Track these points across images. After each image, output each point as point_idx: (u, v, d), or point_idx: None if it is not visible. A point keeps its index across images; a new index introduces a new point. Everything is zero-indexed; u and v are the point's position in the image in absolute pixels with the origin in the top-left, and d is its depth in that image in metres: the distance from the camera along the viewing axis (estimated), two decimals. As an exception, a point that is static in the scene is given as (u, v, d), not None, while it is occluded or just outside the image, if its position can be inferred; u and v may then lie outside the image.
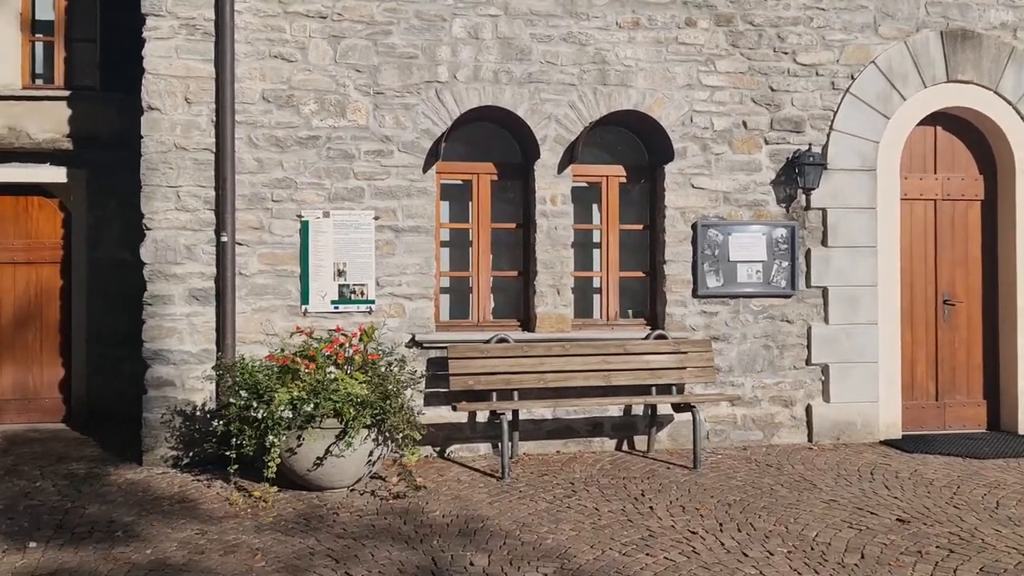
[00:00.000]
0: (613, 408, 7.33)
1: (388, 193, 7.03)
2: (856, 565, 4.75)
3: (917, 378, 8.05)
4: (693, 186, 7.47)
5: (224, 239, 6.71)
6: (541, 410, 7.15)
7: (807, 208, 7.64)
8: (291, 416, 5.78)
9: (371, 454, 6.07)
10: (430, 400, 7.06)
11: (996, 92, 7.85)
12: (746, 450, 7.44)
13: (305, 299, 6.94)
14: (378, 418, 5.96)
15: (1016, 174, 7.91)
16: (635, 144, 7.66)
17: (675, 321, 7.46)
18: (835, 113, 7.63)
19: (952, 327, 8.12)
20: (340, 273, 6.99)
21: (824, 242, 7.66)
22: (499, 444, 6.66)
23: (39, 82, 8.55)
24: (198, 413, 6.77)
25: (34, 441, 7.72)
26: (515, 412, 6.95)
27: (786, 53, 7.56)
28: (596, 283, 7.71)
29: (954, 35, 7.79)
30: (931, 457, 7.20)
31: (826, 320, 7.66)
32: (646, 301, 7.70)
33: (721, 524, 5.46)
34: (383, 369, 6.28)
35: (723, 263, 7.49)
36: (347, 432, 5.84)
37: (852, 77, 7.64)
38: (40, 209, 8.53)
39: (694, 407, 6.91)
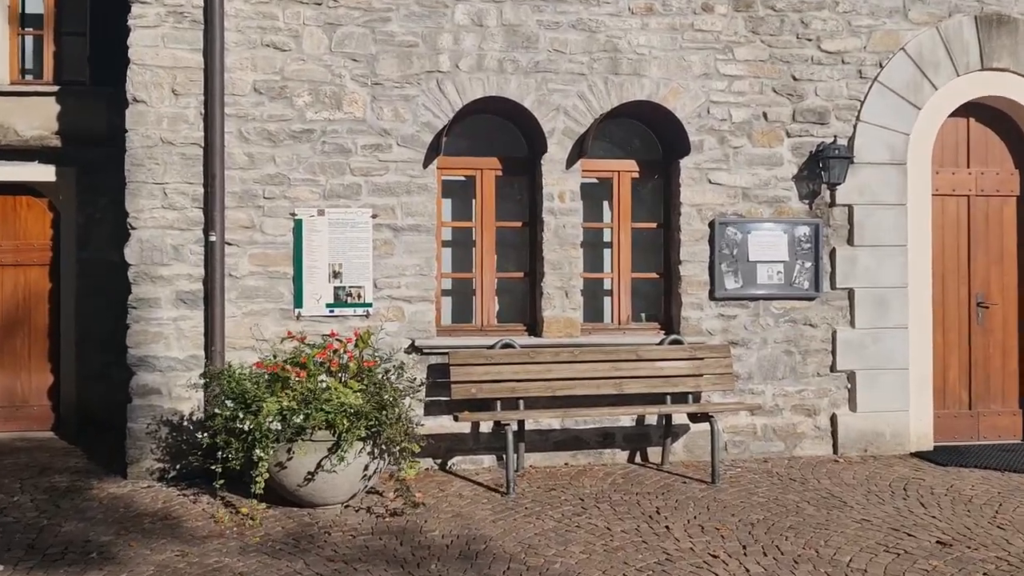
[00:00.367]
0: (625, 418, 6.91)
1: (386, 190, 6.64)
2: (894, 595, 4.32)
3: (949, 385, 7.59)
4: (710, 181, 7.04)
5: (213, 239, 6.34)
6: (548, 420, 6.74)
7: (832, 204, 7.20)
8: (280, 428, 5.40)
9: (366, 468, 5.68)
10: (431, 409, 6.66)
11: (1033, 81, 7.39)
12: (767, 462, 7.00)
13: (299, 302, 6.55)
14: (374, 430, 5.57)
15: (1055, 169, 7.46)
16: (648, 137, 7.24)
17: (691, 325, 7.03)
18: (862, 103, 7.18)
19: (986, 330, 7.65)
20: (336, 275, 6.61)
21: (850, 241, 7.22)
22: (504, 456, 6.26)
23: (28, 78, 8.23)
24: (185, 423, 6.40)
25: (19, 451, 7.39)
26: (521, 422, 6.54)
27: (810, 40, 7.13)
28: (607, 285, 7.30)
29: (989, 20, 7.33)
30: (966, 471, 6.75)
31: (852, 324, 7.22)
32: (660, 304, 7.29)
33: (745, 547, 5.03)
34: (380, 377, 5.90)
35: (742, 263, 7.06)
36: (340, 445, 5.46)
37: (880, 65, 7.20)
38: (28, 209, 8.22)
39: (712, 417, 6.49)
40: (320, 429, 5.48)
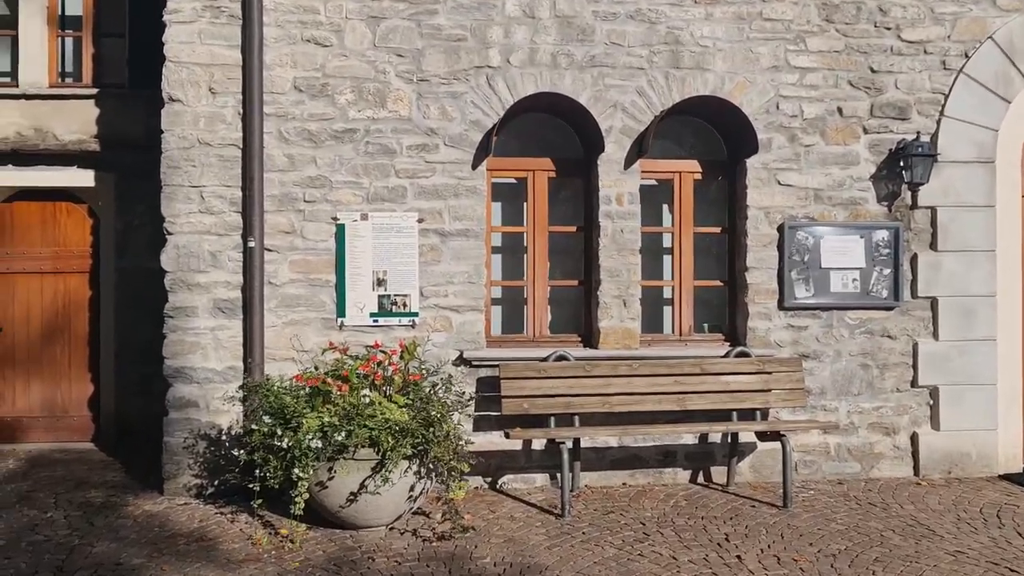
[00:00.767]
0: (687, 435, 6.44)
1: (433, 193, 6.28)
2: (1010, 647, 3.80)
3: (1041, 402, 6.97)
4: (779, 182, 6.55)
5: (251, 244, 6.04)
6: (605, 437, 6.30)
7: (913, 207, 6.66)
8: (321, 446, 5.05)
9: (412, 489, 5.30)
10: (480, 425, 6.27)
11: None
12: (842, 484, 6.47)
13: (341, 311, 6.22)
14: (420, 448, 5.19)
15: None
16: (711, 136, 6.78)
17: (758, 337, 6.54)
18: (946, 97, 6.64)
19: (1082, 343, 7.02)
20: (380, 282, 6.26)
21: (933, 245, 6.67)
22: (557, 475, 5.84)
23: (69, 81, 8.06)
24: (223, 437, 6.10)
25: (57, 463, 7.18)
26: (576, 440, 6.12)
27: (889, 28, 6.60)
28: (667, 294, 6.83)
29: (1085, 5, 6.74)
30: (1064, 496, 6.16)
31: (935, 335, 6.66)
32: (724, 314, 6.80)
33: (829, 584, 4.55)
34: (427, 391, 5.52)
35: (814, 270, 6.56)
36: (384, 464, 5.09)
37: (966, 55, 6.64)
38: (68, 215, 8.02)
39: (784, 436, 5.99)
40: (363, 447, 5.12)
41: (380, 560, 4.87)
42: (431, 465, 5.30)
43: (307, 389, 5.44)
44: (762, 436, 6.29)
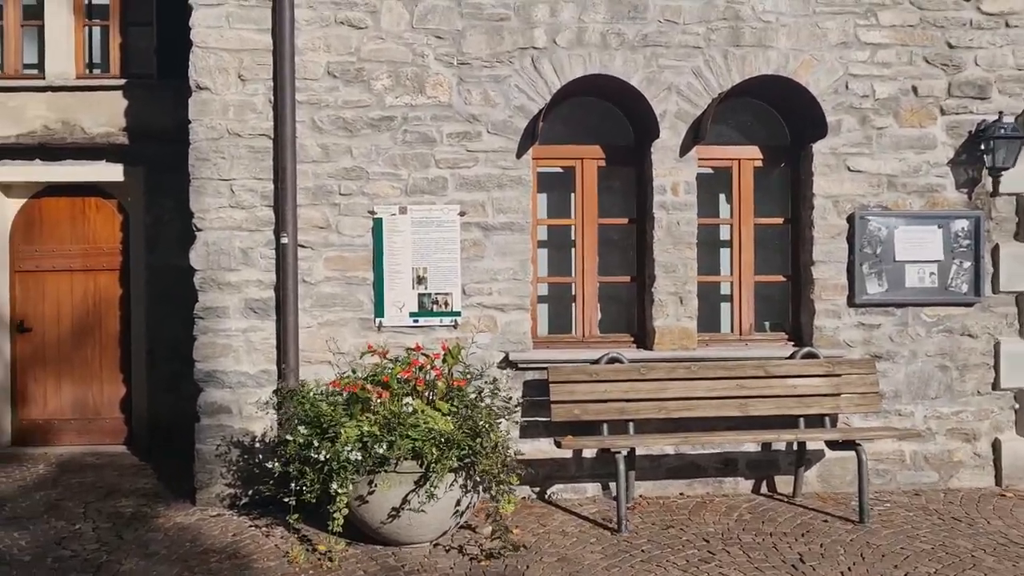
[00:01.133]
0: (748, 443, 6.00)
1: (475, 184, 5.88)
2: None
3: None
4: (849, 168, 6.06)
5: (284, 240, 5.70)
6: (662, 445, 5.87)
7: (995, 194, 6.13)
8: (360, 458, 4.69)
9: (458, 504, 4.93)
10: (527, 431, 5.88)
11: None
12: (919, 496, 5.99)
13: (379, 311, 5.86)
14: (467, 460, 4.81)
15: None
16: (773, 119, 6.31)
17: (825, 336, 6.07)
18: (1033, 73, 6.10)
19: None
20: (420, 280, 5.88)
21: (1018, 236, 6.15)
22: (610, 484, 5.43)
23: (96, 72, 7.78)
24: (258, 445, 5.78)
25: (87, 468, 6.94)
26: (632, 448, 5.70)
27: (967, 0, 6.06)
28: (725, 290, 6.38)
29: None
30: None
31: (1020, 333, 6.15)
32: (787, 312, 6.34)
33: (924, 616, 4.09)
34: (472, 397, 5.14)
35: (887, 264, 6.06)
36: (428, 478, 4.72)
37: (1055, 27, 6.10)
38: (98, 211, 7.77)
39: (858, 444, 5.52)
40: (406, 459, 4.75)
41: (424, 581, 4.53)
42: (478, 479, 4.92)
43: (344, 396, 5.10)
44: (831, 444, 5.82)
